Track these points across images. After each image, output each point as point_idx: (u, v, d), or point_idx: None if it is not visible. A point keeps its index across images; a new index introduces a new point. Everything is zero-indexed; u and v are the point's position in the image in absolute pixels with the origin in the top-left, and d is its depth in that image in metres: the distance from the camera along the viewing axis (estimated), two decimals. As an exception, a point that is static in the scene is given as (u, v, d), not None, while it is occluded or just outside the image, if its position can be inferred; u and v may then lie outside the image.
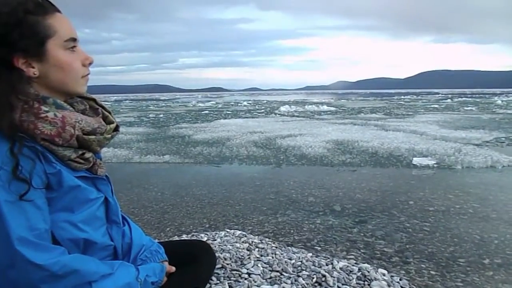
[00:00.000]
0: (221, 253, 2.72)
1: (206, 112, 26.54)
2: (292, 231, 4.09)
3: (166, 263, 1.80)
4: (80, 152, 1.31)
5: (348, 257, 3.35)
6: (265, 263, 2.61)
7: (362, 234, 4.03)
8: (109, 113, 1.61)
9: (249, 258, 2.68)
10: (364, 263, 2.99)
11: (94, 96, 1.58)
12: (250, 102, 46.56)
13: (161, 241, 2.26)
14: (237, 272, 2.45)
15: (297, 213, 4.75)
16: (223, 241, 3.03)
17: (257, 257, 2.71)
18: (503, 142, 10.61)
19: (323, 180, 6.46)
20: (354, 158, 8.05)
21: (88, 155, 1.37)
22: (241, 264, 2.58)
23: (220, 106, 37.68)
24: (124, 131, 13.86)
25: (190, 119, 19.91)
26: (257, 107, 32.63)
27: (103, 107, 1.59)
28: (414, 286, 2.68)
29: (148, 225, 4.37)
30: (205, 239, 3.11)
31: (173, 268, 1.80)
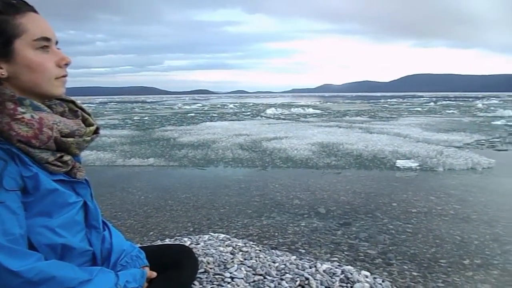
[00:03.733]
0: (204, 257, 2.70)
1: (192, 114, 26.40)
2: (276, 234, 4.10)
3: (147, 269, 1.78)
4: (58, 155, 1.29)
5: (332, 259, 3.37)
6: (248, 266, 2.60)
7: (346, 236, 4.06)
8: (89, 115, 1.59)
9: (232, 261, 2.67)
10: (347, 265, 3.01)
11: (74, 98, 1.56)
12: (236, 104, 46.55)
13: (143, 246, 2.23)
14: (220, 276, 2.44)
15: (282, 215, 4.75)
16: (207, 245, 3.01)
17: (241, 261, 2.69)
18: (483, 145, 10.87)
19: (308, 182, 6.49)
20: (339, 161, 8.12)
21: (66, 158, 1.34)
22: (224, 268, 2.56)
23: (206, 108, 37.54)
24: (108, 133, 13.67)
25: (176, 122, 19.77)
26: (243, 110, 32.63)
27: (82, 109, 1.57)
28: (396, 288, 2.72)
29: (131, 229, 4.31)
30: (188, 243, 3.08)
31: (154, 274, 1.78)
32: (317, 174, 7.19)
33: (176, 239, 3.30)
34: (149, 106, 45.76)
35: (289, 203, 5.31)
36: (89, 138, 1.49)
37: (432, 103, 44.13)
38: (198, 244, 3.06)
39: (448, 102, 49.18)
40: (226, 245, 3.04)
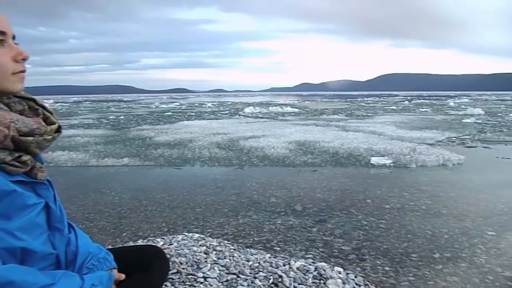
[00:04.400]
0: (177, 258, 2.66)
1: (169, 113, 26.07)
2: (252, 232, 4.09)
3: (115, 271, 1.73)
4: (17, 155, 1.23)
5: (307, 256, 3.39)
6: (222, 266, 2.58)
7: (321, 233, 4.10)
8: (51, 113, 1.53)
9: (205, 261, 2.64)
10: (321, 261, 3.04)
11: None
12: (214, 103, 46.31)
13: (111, 247, 2.17)
14: (193, 277, 2.40)
15: (258, 214, 4.75)
16: (180, 245, 2.97)
17: (214, 260, 2.67)
18: (454, 142, 11.23)
19: (285, 180, 6.52)
20: (315, 158, 8.20)
21: (25, 158, 1.28)
22: (197, 268, 2.53)
23: (184, 107, 37.17)
24: (82, 133, 13.32)
25: (152, 121, 19.48)
26: (221, 109, 32.50)
27: (44, 107, 1.51)
28: (368, 283, 2.75)
29: (104, 230, 4.21)
30: (161, 243, 3.03)
31: (123, 276, 1.73)
32: (294, 172, 7.24)
33: (149, 239, 3.24)
34: (125, 105, 44.90)
35: (265, 201, 5.31)
36: (50, 137, 1.43)
37: (406, 102, 45.24)
38: (171, 244, 3.01)
39: (422, 100, 50.55)
40: (200, 245, 3.01)
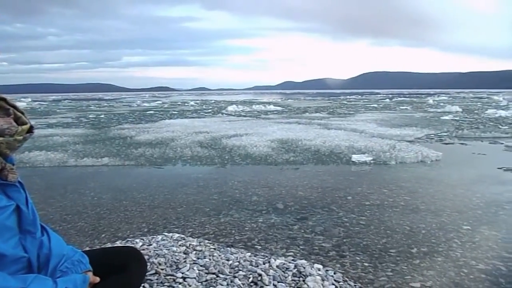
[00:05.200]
0: (156, 258, 2.63)
1: (151, 112, 25.76)
2: (233, 231, 4.08)
3: (90, 273, 1.70)
4: (-15, 156, 1.19)
5: (287, 254, 3.40)
6: (201, 265, 2.57)
7: (303, 231, 4.13)
8: (22, 113, 1.50)
9: (185, 261, 2.63)
10: (302, 259, 3.06)
11: (5, 95, 1.46)
12: (197, 102, 46.00)
13: (87, 249, 2.13)
14: (172, 277, 2.39)
15: (240, 213, 4.75)
16: (159, 246, 2.94)
17: (194, 260, 2.66)
18: (432, 139, 11.48)
19: (267, 179, 6.54)
20: (297, 156, 8.24)
21: (-6, 159, 1.24)
22: (176, 269, 2.51)
23: (166, 106, 36.78)
24: (60, 132, 13.02)
25: (134, 120, 19.20)
26: (204, 107, 32.32)
27: (15, 107, 1.47)
28: (347, 279, 2.79)
29: (81, 232, 4.12)
30: (140, 244, 2.99)
31: (98, 279, 1.71)
32: (276, 170, 7.26)
33: (128, 240, 3.20)
34: (106, 104, 44.12)
35: (247, 200, 5.31)
36: (21, 137, 1.40)
37: (387, 100, 45.98)
38: (151, 245, 2.98)
39: (402, 98, 51.48)
40: (180, 245, 2.99)
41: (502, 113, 21.07)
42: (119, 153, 8.92)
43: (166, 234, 3.35)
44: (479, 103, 35.40)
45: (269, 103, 33.82)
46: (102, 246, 3.25)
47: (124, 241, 3.27)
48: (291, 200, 5.26)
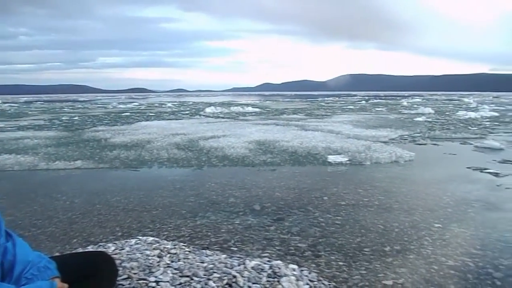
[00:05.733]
0: (128, 263, 2.58)
1: (127, 114, 25.29)
2: (209, 233, 4.05)
3: (58, 280, 1.66)
4: None
5: (263, 255, 3.40)
6: (175, 269, 2.54)
7: (279, 231, 4.14)
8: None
9: (158, 265, 2.59)
10: (277, 260, 3.07)
11: None
12: (175, 103, 45.51)
13: (55, 255, 2.06)
14: (144, 282, 2.34)
15: (216, 214, 4.71)
16: (133, 250, 2.88)
17: (168, 264, 2.62)
18: (406, 139, 11.78)
19: (244, 180, 6.53)
20: (274, 158, 8.28)
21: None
22: (149, 273, 2.47)
23: (143, 107, 36.19)
24: (31, 135, 12.59)
25: (109, 122, 18.79)
26: (182, 109, 32.01)
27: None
28: (322, 278, 2.82)
29: (52, 237, 3.99)
30: (112, 248, 2.92)
31: (66, 285, 1.66)
32: (253, 171, 7.27)
33: (100, 245, 3.12)
34: (80, 106, 42.99)
35: (224, 201, 5.29)
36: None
37: (363, 102, 46.86)
38: (123, 249, 2.92)
39: (378, 100, 52.58)
40: (154, 248, 2.94)
41: (472, 114, 21.87)
42: (93, 155, 8.70)
43: (140, 237, 3.29)
44: (450, 105, 36.60)
45: (247, 105, 33.84)
46: (73, 252, 3.16)
47: (96, 245, 3.19)
48: (268, 201, 5.27)
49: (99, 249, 2.91)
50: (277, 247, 3.68)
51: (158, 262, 2.64)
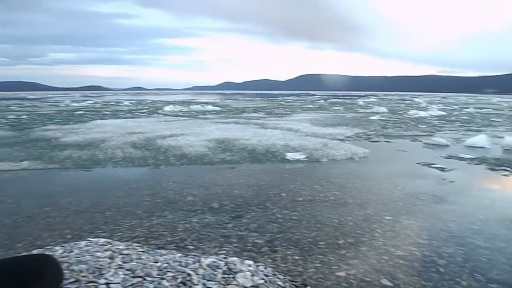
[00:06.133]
0: (77, 265, 2.46)
1: (81, 112, 24.18)
2: (165, 232, 3.97)
3: (-4, 285, 1.55)
4: None
5: (220, 252, 3.39)
6: (127, 269, 2.45)
7: (237, 229, 4.14)
8: None
9: (109, 266, 2.49)
10: (234, 256, 3.06)
11: None
12: (132, 101, 44.13)
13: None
14: (93, 284, 2.24)
15: (174, 214, 4.63)
16: (82, 252, 2.75)
17: (119, 265, 2.53)
18: (361, 137, 12.22)
19: (203, 178, 6.46)
20: (234, 156, 8.27)
21: None
22: (99, 275, 2.37)
23: (98, 106, 34.76)
24: (-28, 135, 11.68)
25: (60, 120, 17.86)
26: (139, 107, 31.11)
27: None
28: (277, 273, 2.85)
29: (-6, 243, 3.73)
30: (60, 251, 2.78)
31: (1, 293, 1.56)
32: (212, 170, 7.22)
33: (47, 249, 2.95)
34: (29, 104, 40.49)
35: (182, 200, 5.21)
36: None
37: (322, 101, 48.02)
38: (72, 252, 2.78)
39: (336, 100, 54.08)
40: (105, 250, 2.82)
41: (422, 113, 23.11)
42: (42, 156, 8.23)
43: (90, 239, 3.15)
44: (402, 105, 38.41)
45: (208, 103, 33.55)
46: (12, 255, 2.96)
47: (43, 249, 3.01)
48: (227, 199, 5.25)
49: (43, 252, 2.76)
50: (234, 244, 3.68)
51: (109, 263, 2.55)
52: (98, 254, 2.71)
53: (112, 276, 2.35)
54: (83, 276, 2.35)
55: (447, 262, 3.30)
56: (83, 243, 3.05)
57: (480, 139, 10.54)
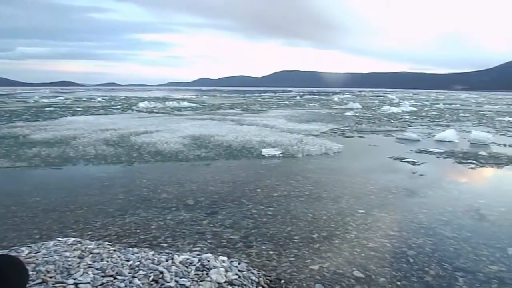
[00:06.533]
0: (44, 266, 2.38)
1: (51, 108, 23.36)
2: (138, 230, 3.89)
3: None
4: None
5: (194, 249, 3.36)
6: (97, 269, 2.40)
7: (212, 225, 4.11)
8: None
9: (78, 266, 2.43)
10: (208, 253, 3.05)
11: None
12: (105, 98, 43.00)
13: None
14: (61, 285, 2.18)
15: (147, 211, 4.55)
16: (50, 252, 2.67)
17: (89, 264, 2.47)
18: (336, 133, 12.40)
19: (178, 175, 6.39)
20: (209, 152, 8.21)
21: None
22: (67, 275, 2.31)
23: (69, 102, 33.68)
24: None
25: (29, 117, 17.19)
26: (113, 103, 30.37)
27: None
28: (251, 268, 2.86)
29: (-45, 245, 3.55)
30: (26, 252, 2.68)
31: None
32: (187, 166, 7.14)
33: (12, 249, 2.84)
34: (-5, 100, 38.76)
35: (156, 197, 5.12)
36: None
37: (298, 97, 48.40)
38: (39, 252, 2.69)
39: (311, 96, 54.64)
40: (74, 249, 2.75)
41: (395, 109, 23.69)
42: (8, 154, 7.90)
43: (59, 239, 3.06)
44: (376, 101, 39.25)
45: (183, 100, 33.14)
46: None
47: (8, 250, 2.90)
48: (202, 196, 5.21)
49: (7, 253, 2.65)
50: (209, 241, 3.66)
51: (79, 263, 2.48)
52: (67, 253, 2.64)
53: (81, 276, 2.30)
54: (51, 277, 2.28)
55: (417, 252, 3.40)
56: (51, 243, 2.96)
57: (449, 134, 10.91)
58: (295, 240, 3.68)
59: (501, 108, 28.33)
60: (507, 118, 18.79)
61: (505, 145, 10.04)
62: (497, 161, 7.81)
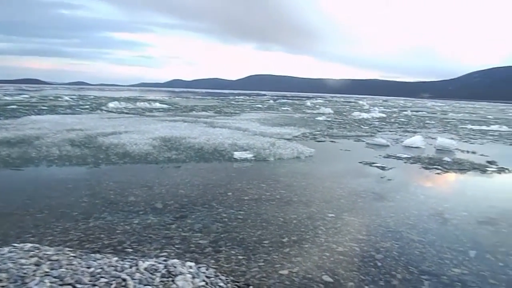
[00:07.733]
0: (-5, 274, 2.22)
1: (14, 107, 22.27)
2: (102, 235, 3.73)
3: None
4: None
5: (161, 255, 3.25)
6: (54, 277, 2.26)
7: (180, 229, 4.01)
8: None
9: (34, 274, 2.28)
10: (175, 258, 2.95)
11: None
12: (73, 97, 41.54)
13: None
14: (14, 294, 2.04)
15: (113, 215, 4.38)
16: (3, 259, 2.50)
17: (46, 272, 2.32)
18: (308, 137, 12.52)
19: (147, 178, 6.21)
20: (180, 154, 8.06)
21: None
22: (22, 284, 2.16)
23: (34, 100, 32.29)
24: None
25: (-11, 115, 16.32)
26: (81, 103, 29.38)
27: None
28: (219, 273, 2.79)
29: None
30: (-24, 259, 2.50)
31: None
32: (157, 169, 6.97)
33: (-39, 257, 2.63)
34: (-48, 96, 36.58)
35: (123, 201, 4.95)
36: None
37: (271, 101, 48.66)
38: (-9, 259, 2.51)
39: (285, 100, 55.09)
40: (31, 256, 2.59)
41: (365, 115, 24.27)
42: (-36, 153, 7.43)
43: (15, 245, 2.87)
44: (347, 107, 40.10)
45: (155, 101, 32.55)
46: None
47: (-44, 257, 2.69)
48: (171, 199, 5.09)
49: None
50: (176, 246, 3.55)
51: (35, 271, 2.33)
52: (23, 260, 2.48)
53: (36, 284, 2.16)
54: (3, 286, 2.12)
55: (384, 256, 3.45)
56: (6, 249, 2.78)
57: (416, 140, 11.27)
58: (265, 245, 3.64)
59: (463, 117, 29.64)
60: (469, 126, 19.68)
61: (467, 152, 10.48)
62: (460, 167, 8.12)
